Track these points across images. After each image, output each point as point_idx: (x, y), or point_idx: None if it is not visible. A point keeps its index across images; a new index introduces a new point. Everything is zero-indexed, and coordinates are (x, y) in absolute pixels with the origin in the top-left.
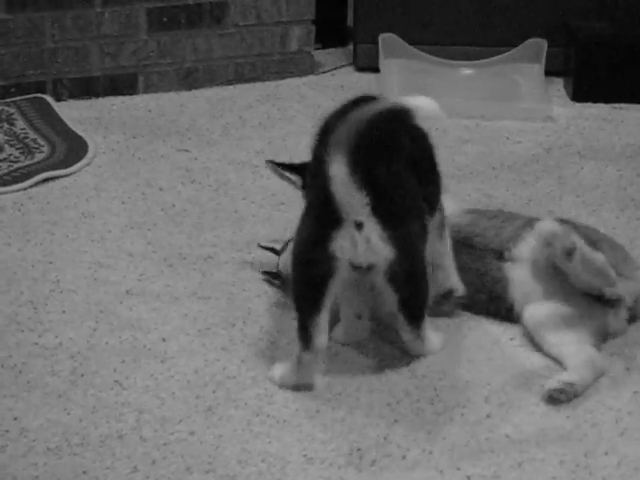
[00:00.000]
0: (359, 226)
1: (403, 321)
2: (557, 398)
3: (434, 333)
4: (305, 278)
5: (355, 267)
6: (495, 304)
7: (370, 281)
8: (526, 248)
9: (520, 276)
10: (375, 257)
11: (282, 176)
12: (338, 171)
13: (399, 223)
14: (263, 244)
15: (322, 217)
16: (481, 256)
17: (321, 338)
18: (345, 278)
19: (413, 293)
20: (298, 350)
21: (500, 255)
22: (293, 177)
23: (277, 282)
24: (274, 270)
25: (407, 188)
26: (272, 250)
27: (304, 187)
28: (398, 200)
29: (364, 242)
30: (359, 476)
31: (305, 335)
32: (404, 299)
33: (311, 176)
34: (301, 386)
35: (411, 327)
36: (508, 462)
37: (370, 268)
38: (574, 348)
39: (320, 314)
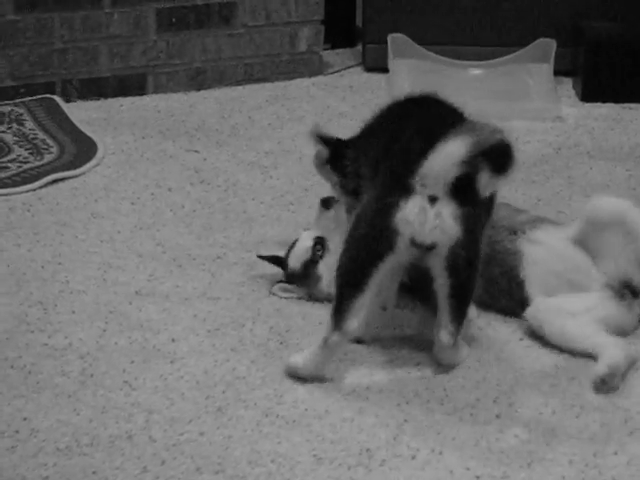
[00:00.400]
0: (433, 200)
1: (447, 317)
2: (609, 382)
3: (463, 342)
4: (359, 252)
5: (417, 245)
6: (506, 278)
7: (427, 263)
8: (545, 235)
9: (535, 255)
10: (442, 235)
11: (316, 144)
12: (454, 148)
13: (473, 204)
14: (261, 254)
15: (391, 189)
16: (493, 226)
17: (355, 321)
18: (402, 258)
19: (466, 280)
20: (326, 331)
21: (513, 232)
22: (323, 148)
23: (298, 290)
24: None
25: None
26: (273, 260)
27: (328, 161)
28: (475, 183)
29: (434, 217)
30: (369, 476)
31: (339, 315)
32: (456, 286)
33: (378, 151)
34: (321, 373)
35: (453, 326)
36: (517, 462)
37: (431, 248)
38: (597, 335)
39: (363, 295)
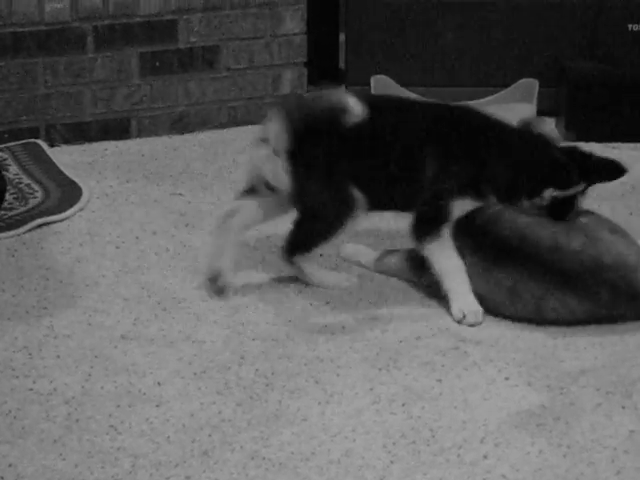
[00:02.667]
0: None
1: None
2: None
3: (328, 272)
4: None
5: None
6: None
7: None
8: None
9: None
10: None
11: None
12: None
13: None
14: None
15: None
16: None
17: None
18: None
19: (303, 214)
20: None
21: None
22: None
23: None
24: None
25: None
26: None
27: None
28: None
29: (275, 166)
30: None
31: None
32: (297, 222)
33: None
34: None
35: (287, 244)
36: None
37: (273, 189)
38: None
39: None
